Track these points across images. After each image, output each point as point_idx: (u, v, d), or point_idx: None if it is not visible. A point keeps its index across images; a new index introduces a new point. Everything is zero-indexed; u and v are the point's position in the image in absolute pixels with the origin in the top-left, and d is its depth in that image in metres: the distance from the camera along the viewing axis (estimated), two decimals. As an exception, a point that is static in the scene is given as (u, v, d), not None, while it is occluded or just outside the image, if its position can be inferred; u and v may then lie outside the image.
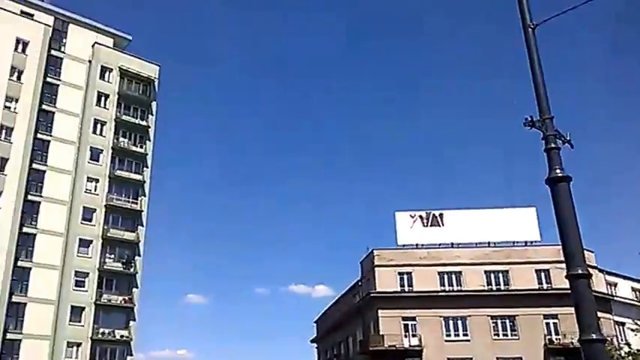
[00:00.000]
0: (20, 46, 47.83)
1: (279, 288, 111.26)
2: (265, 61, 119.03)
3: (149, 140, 52.07)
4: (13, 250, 43.23)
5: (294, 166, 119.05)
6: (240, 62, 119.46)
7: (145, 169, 51.08)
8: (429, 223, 45.13)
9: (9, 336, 41.95)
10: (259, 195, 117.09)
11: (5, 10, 48.03)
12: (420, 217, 45.52)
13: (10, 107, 46.27)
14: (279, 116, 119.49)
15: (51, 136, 48.18)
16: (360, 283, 46.49)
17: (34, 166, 46.45)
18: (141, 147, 51.37)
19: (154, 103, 53.29)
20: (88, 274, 45.44)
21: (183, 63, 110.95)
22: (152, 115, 52.88)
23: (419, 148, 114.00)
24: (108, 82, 51.13)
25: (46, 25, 49.65)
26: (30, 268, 44.33)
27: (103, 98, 50.40)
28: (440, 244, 44.21)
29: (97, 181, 48.16)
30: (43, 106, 48.07)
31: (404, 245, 44.53)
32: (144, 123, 52.05)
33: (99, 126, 49.57)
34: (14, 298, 42.80)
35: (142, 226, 49.36)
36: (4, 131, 45.41)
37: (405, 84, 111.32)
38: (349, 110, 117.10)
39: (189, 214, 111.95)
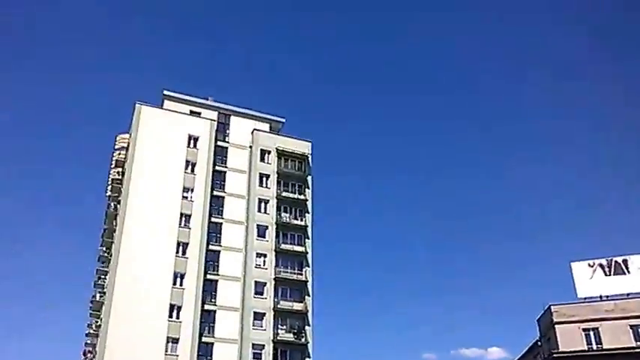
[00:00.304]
0: (192, 142, 53.79)
1: (449, 352, 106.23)
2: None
3: (308, 213, 54.61)
4: (197, 326, 46.92)
5: (455, 228, 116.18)
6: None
7: (306, 240, 53.33)
8: (612, 272, 40.97)
9: (197, 410, 44.86)
10: (421, 257, 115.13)
11: (179, 112, 54.90)
12: (600, 265, 41.57)
13: (187, 197, 51.55)
14: (432, 178, 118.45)
15: (222, 218, 52.53)
16: (539, 343, 42.77)
17: (210, 247, 50.73)
18: (301, 220, 53.94)
19: (309, 178, 56.25)
20: (263, 346, 47.50)
21: (333, 136, 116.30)
22: (308, 188, 55.70)
23: (587, 197, 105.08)
24: (267, 163, 55.22)
25: (211, 120, 55.69)
26: (212, 343, 47.50)
27: (264, 179, 54.36)
28: (628, 294, 39.59)
29: (265, 255, 51.08)
30: (214, 192, 52.96)
31: (585, 298, 40.64)
32: (302, 197, 54.85)
33: (263, 204, 53.18)
34: (200, 373, 45.97)
35: (309, 296, 50.97)
36: (183, 218, 50.49)
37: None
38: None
39: (349, 282, 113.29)
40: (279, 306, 49.30)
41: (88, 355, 55.26)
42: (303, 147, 56.96)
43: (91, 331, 54.31)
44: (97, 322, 52.97)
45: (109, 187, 55.54)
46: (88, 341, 57.33)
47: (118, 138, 56.56)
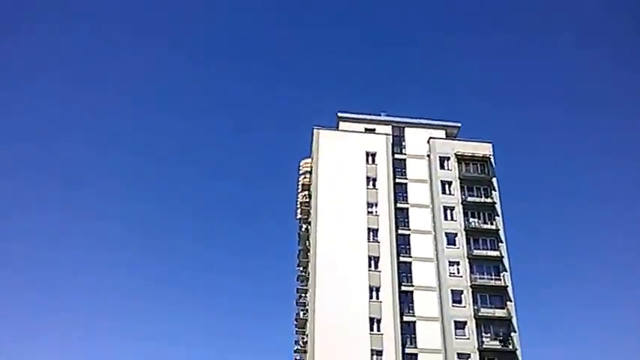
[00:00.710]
0: (370, 158, 55.13)
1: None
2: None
3: (497, 216, 52.67)
4: (399, 338, 47.22)
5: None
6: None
7: (499, 244, 51.37)
8: None
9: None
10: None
11: (354, 131, 56.78)
12: None
13: (371, 212, 52.67)
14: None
15: (409, 229, 52.73)
16: None
17: (401, 259, 51.06)
18: (491, 224, 52.20)
19: (494, 179, 54.39)
20: (469, 355, 46.25)
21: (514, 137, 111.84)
22: (495, 190, 53.81)
23: None
24: (448, 169, 54.50)
25: (386, 134, 56.68)
26: (416, 354, 47.38)
27: (446, 185, 53.69)
28: None
29: (458, 263, 50.10)
30: (398, 204, 53.47)
31: None
32: (489, 200, 53.17)
33: (448, 212, 52.45)
34: (405, 385, 46.05)
35: (510, 301, 48.81)
36: (371, 233, 51.53)
37: None
38: None
39: (554, 287, 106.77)
40: (479, 313, 47.89)
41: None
42: (483, 149, 55.45)
43: (299, 347, 57.18)
44: (303, 338, 55.78)
45: (299, 210, 58.81)
46: (297, 357, 60.45)
47: (301, 163, 59.88)
